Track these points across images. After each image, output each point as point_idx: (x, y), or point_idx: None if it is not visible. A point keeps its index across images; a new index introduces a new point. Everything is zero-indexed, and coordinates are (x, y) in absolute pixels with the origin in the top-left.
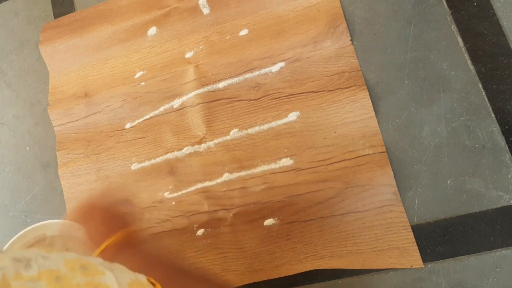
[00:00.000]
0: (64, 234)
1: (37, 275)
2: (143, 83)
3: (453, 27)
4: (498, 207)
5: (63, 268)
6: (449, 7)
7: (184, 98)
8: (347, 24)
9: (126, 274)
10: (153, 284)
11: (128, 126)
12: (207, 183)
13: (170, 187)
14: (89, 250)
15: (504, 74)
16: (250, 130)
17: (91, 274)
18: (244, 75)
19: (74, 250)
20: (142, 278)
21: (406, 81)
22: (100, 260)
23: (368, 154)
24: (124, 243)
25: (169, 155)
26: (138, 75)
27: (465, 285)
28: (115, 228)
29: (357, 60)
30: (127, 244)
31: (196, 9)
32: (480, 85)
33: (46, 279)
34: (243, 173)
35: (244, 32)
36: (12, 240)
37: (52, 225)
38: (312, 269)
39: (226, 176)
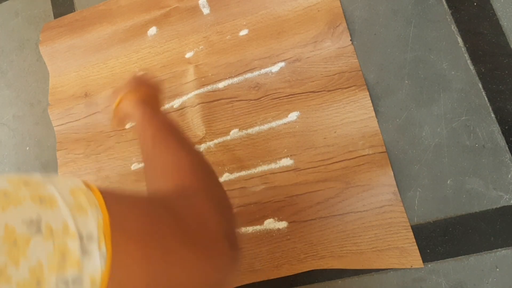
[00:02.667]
0: None
1: None
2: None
3: (453, 27)
4: (498, 207)
5: (8, 186)
6: (449, 7)
7: (184, 98)
8: (347, 24)
9: (65, 184)
10: (88, 186)
11: (128, 126)
12: None
13: None
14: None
15: (504, 74)
16: (250, 130)
17: (34, 188)
18: (244, 75)
19: None
20: (79, 183)
21: (406, 81)
22: (39, 176)
23: (368, 154)
24: (142, 99)
25: None
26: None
27: (465, 285)
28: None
29: (357, 60)
30: (145, 101)
31: (196, 9)
32: (480, 85)
33: None
34: (243, 173)
35: (244, 32)
36: None
37: None
38: (312, 269)
39: (226, 176)
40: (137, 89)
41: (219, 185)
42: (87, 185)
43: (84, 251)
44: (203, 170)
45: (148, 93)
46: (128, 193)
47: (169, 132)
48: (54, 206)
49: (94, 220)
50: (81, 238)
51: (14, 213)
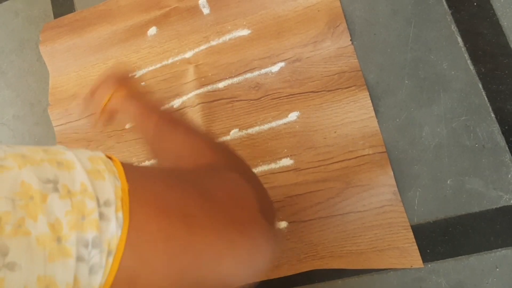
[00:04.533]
0: None
1: (4, 156)
2: (143, 83)
3: (453, 27)
4: (498, 207)
5: (26, 151)
6: (449, 7)
7: (184, 98)
8: (347, 24)
9: (84, 152)
10: (110, 158)
11: (128, 126)
12: None
13: None
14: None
15: (504, 74)
16: (250, 130)
17: (52, 153)
18: (244, 75)
19: None
20: (100, 154)
21: (406, 81)
22: (62, 146)
23: (368, 154)
24: (129, 94)
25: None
26: (138, 75)
27: (465, 285)
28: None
29: (357, 60)
30: (132, 95)
31: (196, 9)
32: (480, 85)
33: (12, 157)
34: None
35: (244, 32)
36: None
37: None
38: (312, 269)
39: None
40: (122, 86)
41: (243, 161)
42: (108, 156)
43: (101, 215)
44: (222, 147)
45: (134, 88)
46: (151, 167)
47: (171, 117)
48: (72, 169)
49: (112, 186)
50: (98, 202)
51: (30, 172)
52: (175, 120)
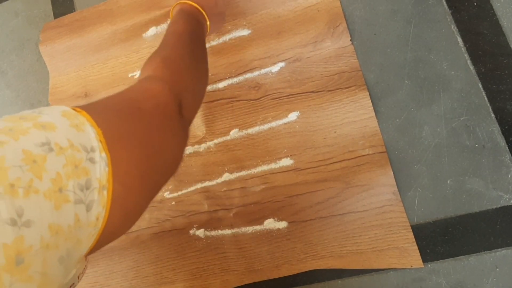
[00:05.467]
0: None
1: None
2: None
3: (453, 27)
4: (498, 207)
5: (9, 124)
6: (449, 7)
7: None
8: (347, 24)
9: (55, 110)
10: (74, 109)
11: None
12: (207, 183)
13: (170, 187)
14: None
15: (504, 74)
16: (250, 130)
17: (32, 119)
18: (244, 75)
19: None
20: (66, 108)
21: (406, 81)
22: (29, 111)
23: (368, 154)
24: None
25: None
26: (138, 75)
27: (465, 285)
28: None
29: (357, 60)
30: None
31: None
32: (480, 85)
33: (1, 133)
34: (243, 173)
35: (244, 32)
36: None
37: None
38: (312, 269)
39: (226, 176)
40: None
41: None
42: (73, 109)
43: (90, 160)
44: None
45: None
46: (105, 102)
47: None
48: (56, 128)
49: (92, 134)
50: (85, 150)
51: (26, 140)
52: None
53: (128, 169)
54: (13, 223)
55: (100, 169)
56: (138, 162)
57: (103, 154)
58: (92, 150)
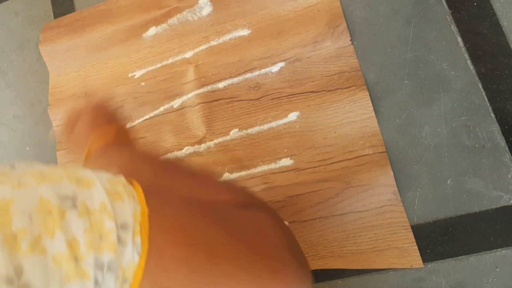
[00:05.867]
0: None
1: (22, 173)
2: (143, 83)
3: (453, 27)
4: (498, 207)
5: (45, 168)
6: (449, 7)
7: (184, 98)
8: (347, 24)
9: (104, 173)
10: (131, 183)
11: (128, 126)
12: None
13: None
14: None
15: (504, 74)
16: (250, 130)
17: (72, 170)
18: (244, 75)
19: None
20: (121, 177)
21: (406, 81)
22: (80, 166)
23: (368, 154)
24: (112, 140)
25: (169, 155)
26: (138, 75)
27: (465, 285)
28: (102, 123)
29: (357, 60)
30: (116, 141)
31: (196, 9)
32: (480, 85)
33: (30, 174)
34: (243, 173)
35: (244, 32)
36: None
37: None
38: (312, 269)
39: (226, 176)
40: (101, 132)
41: (262, 199)
42: (128, 180)
43: (118, 238)
44: (239, 188)
45: (115, 128)
46: (174, 192)
47: (163, 161)
48: (92, 186)
49: (130, 208)
50: (116, 223)
51: (49, 187)
52: (168, 163)
53: (172, 275)
54: (9, 281)
55: (128, 255)
56: (193, 271)
57: (137, 239)
58: (124, 227)
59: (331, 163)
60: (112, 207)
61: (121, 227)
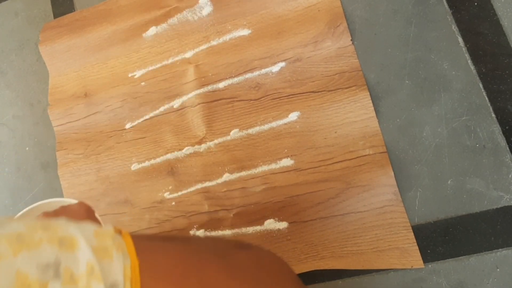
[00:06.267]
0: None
1: None
2: (143, 83)
3: (454, 27)
4: (498, 207)
5: (23, 229)
6: (450, 7)
7: (184, 98)
8: (348, 24)
9: (90, 226)
10: (119, 232)
11: (128, 126)
12: (207, 184)
13: (170, 187)
14: None
15: (505, 74)
16: (250, 130)
17: (53, 230)
18: (244, 75)
19: None
20: (109, 227)
21: (407, 81)
22: (64, 220)
23: (368, 154)
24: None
25: (169, 155)
26: (138, 75)
27: (466, 285)
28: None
29: (357, 60)
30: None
31: (196, 9)
32: (481, 85)
33: (6, 240)
34: (243, 173)
35: (244, 32)
36: (19, 214)
37: (58, 203)
38: (313, 269)
39: (226, 177)
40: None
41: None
42: (117, 230)
43: None
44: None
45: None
46: (165, 237)
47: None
48: (76, 248)
49: (120, 266)
50: (105, 284)
51: (27, 258)
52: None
53: None
54: None
55: None
56: None
57: None
58: (113, 286)
59: (332, 163)
60: (100, 267)
61: (111, 286)
